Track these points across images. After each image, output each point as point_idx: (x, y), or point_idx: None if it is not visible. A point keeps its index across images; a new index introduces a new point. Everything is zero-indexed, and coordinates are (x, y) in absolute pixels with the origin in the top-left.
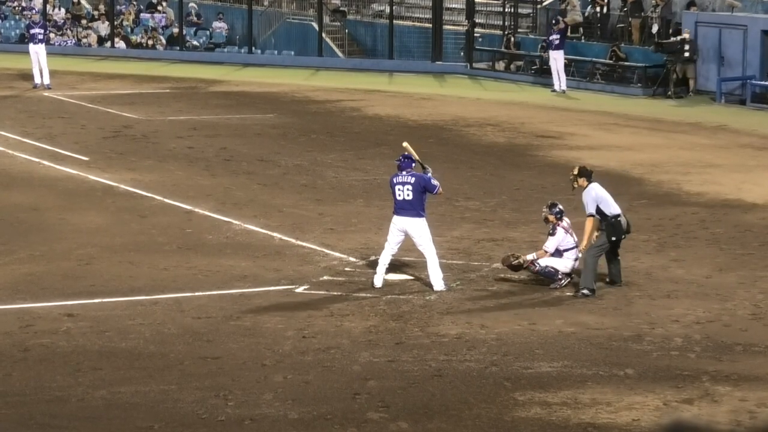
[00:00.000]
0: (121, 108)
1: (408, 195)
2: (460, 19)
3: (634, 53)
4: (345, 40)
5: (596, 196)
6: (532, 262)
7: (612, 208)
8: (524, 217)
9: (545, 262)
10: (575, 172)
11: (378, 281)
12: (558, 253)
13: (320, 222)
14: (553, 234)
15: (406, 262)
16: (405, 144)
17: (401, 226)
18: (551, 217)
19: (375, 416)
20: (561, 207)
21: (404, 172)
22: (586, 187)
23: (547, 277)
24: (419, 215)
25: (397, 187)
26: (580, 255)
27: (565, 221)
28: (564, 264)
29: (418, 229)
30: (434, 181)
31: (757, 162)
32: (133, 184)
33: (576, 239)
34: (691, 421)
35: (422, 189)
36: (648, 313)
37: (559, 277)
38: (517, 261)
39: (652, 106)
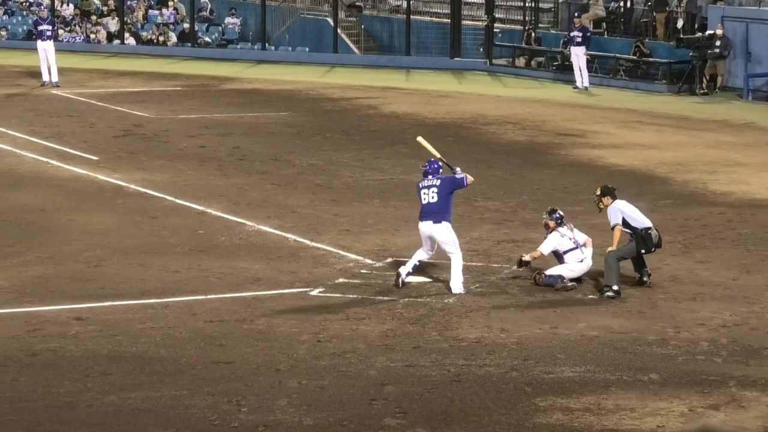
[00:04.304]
0: (131, 106)
1: (433, 197)
2: (479, 14)
3: (659, 49)
4: (361, 36)
5: (621, 210)
6: (538, 273)
7: (640, 221)
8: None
9: (549, 272)
10: (597, 192)
11: (404, 271)
12: (559, 258)
13: (335, 223)
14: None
15: (425, 263)
16: (419, 139)
17: (426, 232)
18: (551, 223)
19: (392, 422)
20: (561, 213)
21: (431, 176)
22: (611, 204)
23: (552, 284)
24: (442, 220)
25: (422, 191)
26: (585, 255)
27: (566, 227)
28: (568, 269)
29: (441, 234)
30: (459, 175)
31: None
32: (144, 185)
33: (578, 242)
34: (717, 428)
35: (449, 191)
36: (673, 317)
37: (564, 280)
38: (523, 261)
39: (677, 103)
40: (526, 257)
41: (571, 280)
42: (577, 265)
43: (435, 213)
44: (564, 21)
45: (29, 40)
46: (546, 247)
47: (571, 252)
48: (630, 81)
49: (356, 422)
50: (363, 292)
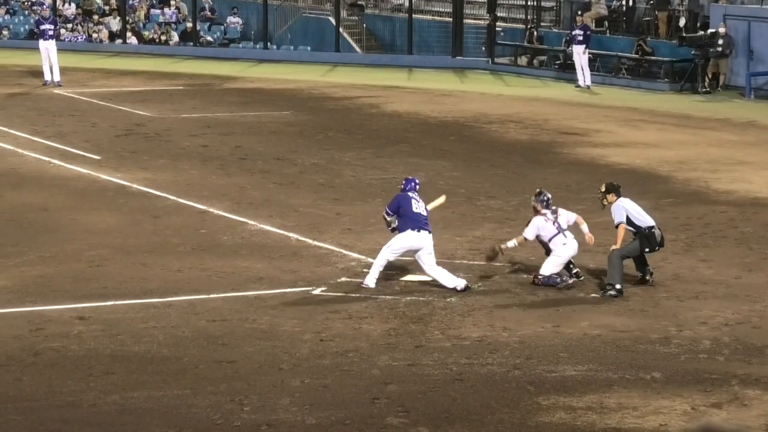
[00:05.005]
0: (133, 105)
1: (425, 211)
2: (482, 13)
3: (661, 47)
4: (363, 35)
5: (626, 208)
6: (535, 275)
7: (644, 220)
8: None
9: (542, 271)
10: (602, 189)
11: (371, 281)
12: (545, 245)
13: (338, 222)
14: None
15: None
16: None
17: (420, 245)
18: (538, 206)
19: (395, 421)
20: (548, 195)
21: (416, 192)
22: (615, 201)
23: (553, 284)
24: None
25: (413, 201)
26: (567, 239)
27: (550, 210)
28: (558, 257)
29: (431, 244)
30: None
31: None
32: (146, 184)
33: (561, 227)
34: (720, 426)
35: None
36: (675, 315)
37: (564, 278)
38: (495, 252)
39: (680, 101)
40: (511, 243)
41: (569, 273)
42: (561, 249)
43: (426, 223)
44: (566, 19)
45: (31, 39)
46: (530, 231)
47: (554, 238)
48: (632, 79)
49: (359, 421)
50: (365, 291)
